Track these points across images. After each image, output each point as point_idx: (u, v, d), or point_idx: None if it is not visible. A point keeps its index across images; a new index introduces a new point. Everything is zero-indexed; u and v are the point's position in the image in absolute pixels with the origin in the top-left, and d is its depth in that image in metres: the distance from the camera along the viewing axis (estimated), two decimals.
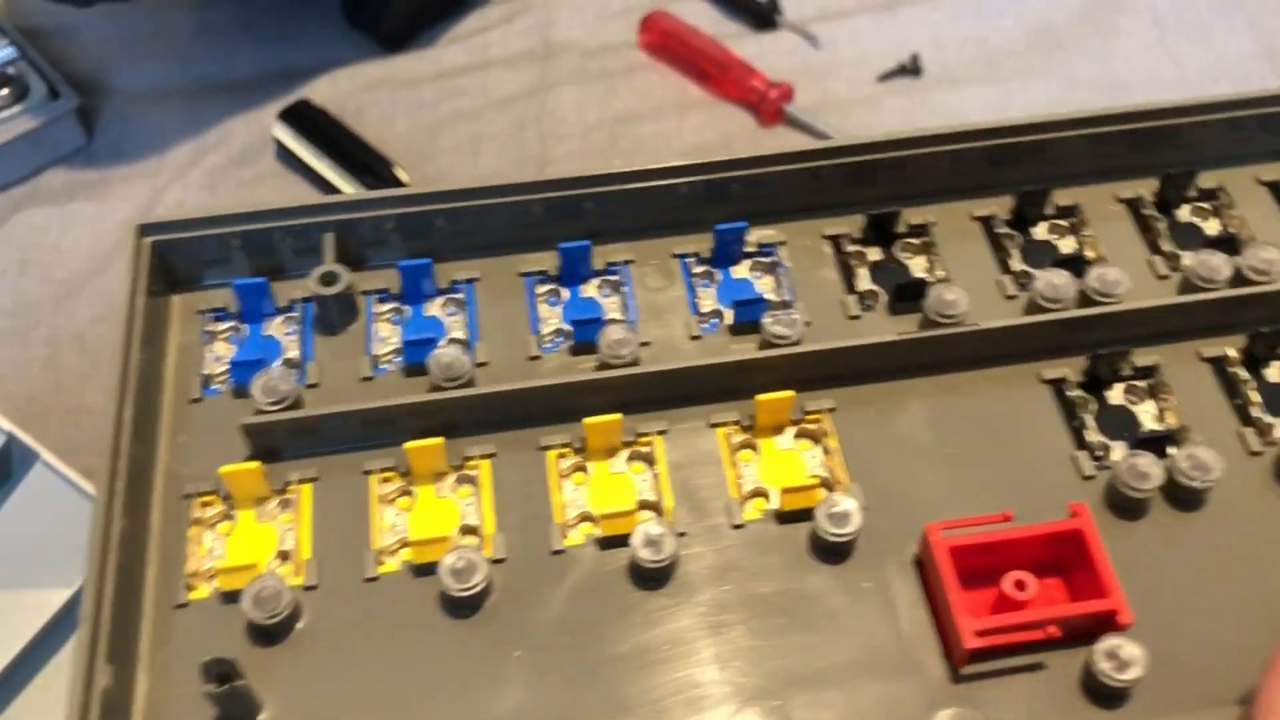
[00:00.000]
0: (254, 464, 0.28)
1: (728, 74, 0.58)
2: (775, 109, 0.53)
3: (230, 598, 0.27)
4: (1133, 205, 0.33)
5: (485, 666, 0.26)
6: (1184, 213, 0.33)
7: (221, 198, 0.51)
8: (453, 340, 0.31)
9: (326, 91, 0.63)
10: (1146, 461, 0.27)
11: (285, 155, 0.53)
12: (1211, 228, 0.33)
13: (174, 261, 0.32)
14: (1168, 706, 0.25)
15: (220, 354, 0.31)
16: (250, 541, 0.28)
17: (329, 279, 0.30)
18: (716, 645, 0.26)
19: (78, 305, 0.46)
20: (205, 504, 0.28)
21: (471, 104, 0.61)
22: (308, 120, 0.54)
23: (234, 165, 0.54)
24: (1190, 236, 0.33)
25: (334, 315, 0.31)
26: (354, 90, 0.63)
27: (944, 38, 0.66)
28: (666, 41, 0.64)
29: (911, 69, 0.59)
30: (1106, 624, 0.25)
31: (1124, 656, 0.24)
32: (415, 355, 0.30)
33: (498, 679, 0.26)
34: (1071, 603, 0.26)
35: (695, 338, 0.31)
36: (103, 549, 0.26)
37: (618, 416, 0.28)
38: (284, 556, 0.28)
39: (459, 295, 0.32)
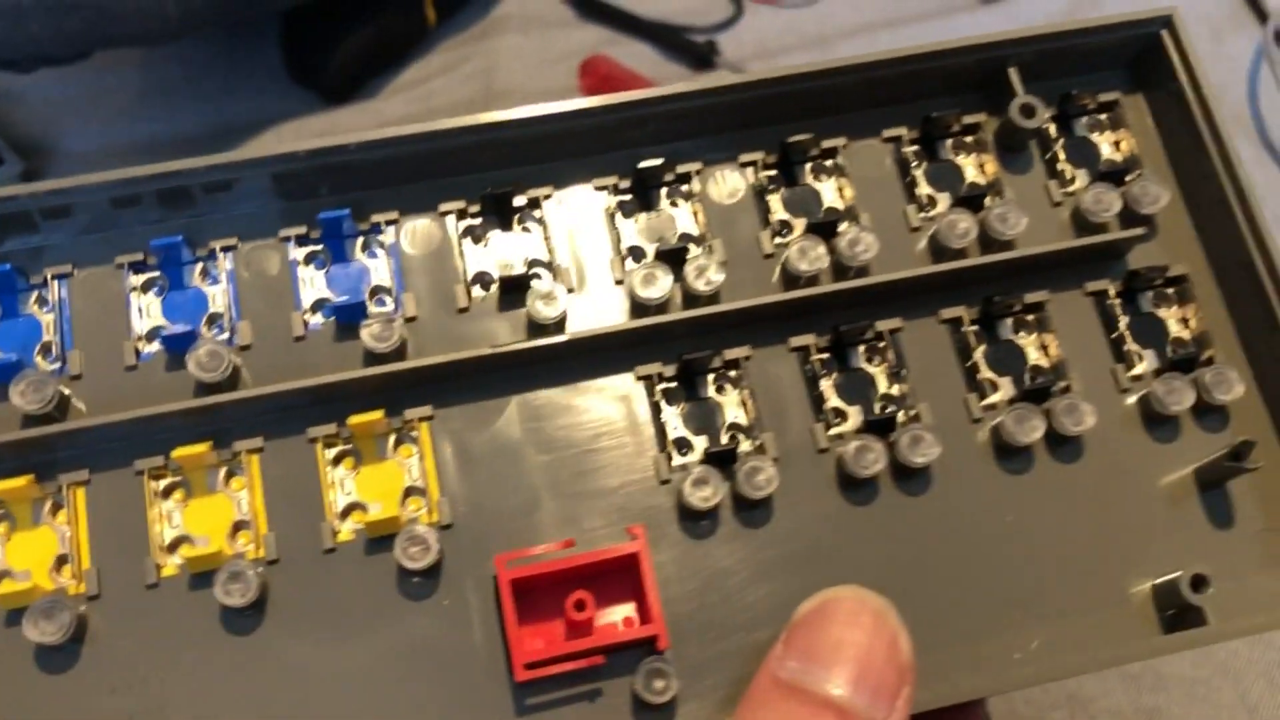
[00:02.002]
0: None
1: None
2: None
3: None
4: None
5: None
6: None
7: None
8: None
9: (269, 145, 0.61)
10: (706, 470, 0.29)
11: None
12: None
13: None
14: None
15: None
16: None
17: None
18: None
19: None
20: None
21: None
22: None
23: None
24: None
25: None
26: (297, 145, 0.61)
27: None
28: (606, 85, 0.65)
29: None
30: (651, 647, 0.28)
31: (657, 686, 0.28)
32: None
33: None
34: (612, 630, 0.28)
35: (299, 339, 0.31)
36: None
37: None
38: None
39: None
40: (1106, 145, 0.33)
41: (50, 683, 0.27)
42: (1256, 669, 0.50)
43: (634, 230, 0.32)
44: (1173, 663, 0.50)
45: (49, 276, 0.30)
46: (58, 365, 0.30)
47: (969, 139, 0.33)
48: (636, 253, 0.32)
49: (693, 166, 0.32)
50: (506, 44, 0.70)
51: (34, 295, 0.30)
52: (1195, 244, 0.32)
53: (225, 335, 0.30)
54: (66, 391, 0.29)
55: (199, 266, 0.31)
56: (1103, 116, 0.34)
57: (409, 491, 0.29)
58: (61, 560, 0.28)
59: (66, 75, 0.68)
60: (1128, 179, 0.32)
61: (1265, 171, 0.67)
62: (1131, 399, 0.31)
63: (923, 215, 0.32)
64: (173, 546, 0.29)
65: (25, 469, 0.28)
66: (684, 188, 0.32)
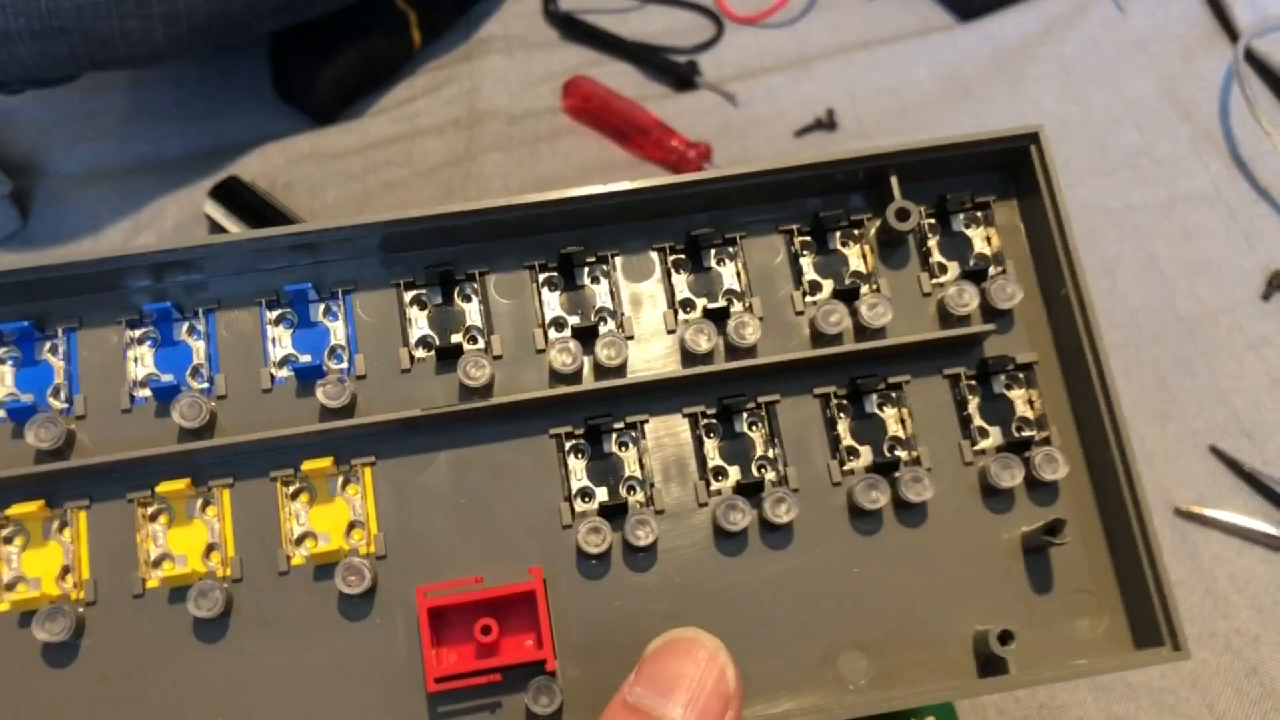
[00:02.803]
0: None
1: (648, 136, 0.61)
2: (695, 167, 0.57)
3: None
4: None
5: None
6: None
7: None
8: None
9: (257, 166, 0.62)
10: (598, 520, 0.35)
11: (217, 231, 0.54)
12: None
13: None
14: None
15: None
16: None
17: None
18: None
19: None
20: None
21: (399, 174, 0.62)
22: (237, 196, 0.55)
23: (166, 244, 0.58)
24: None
25: None
26: (284, 164, 0.63)
27: (858, 91, 0.68)
28: (588, 106, 0.66)
29: (827, 124, 0.61)
30: (541, 669, 0.34)
31: (543, 701, 0.33)
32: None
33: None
34: (514, 651, 0.34)
35: (266, 390, 0.36)
36: None
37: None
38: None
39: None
40: (979, 240, 0.38)
41: (53, 675, 0.34)
42: (1223, 679, 0.53)
43: (557, 303, 0.37)
44: (1141, 673, 0.53)
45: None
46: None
47: (855, 232, 0.38)
48: (557, 323, 0.37)
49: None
50: (490, 65, 0.71)
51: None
52: (1046, 333, 0.37)
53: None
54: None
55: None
56: (977, 214, 0.38)
57: (352, 525, 0.35)
58: (65, 570, 0.35)
59: (54, 96, 0.70)
60: (991, 274, 0.37)
61: (1236, 188, 0.69)
62: (973, 471, 0.36)
63: (808, 300, 0.37)
64: (157, 562, 0.35)
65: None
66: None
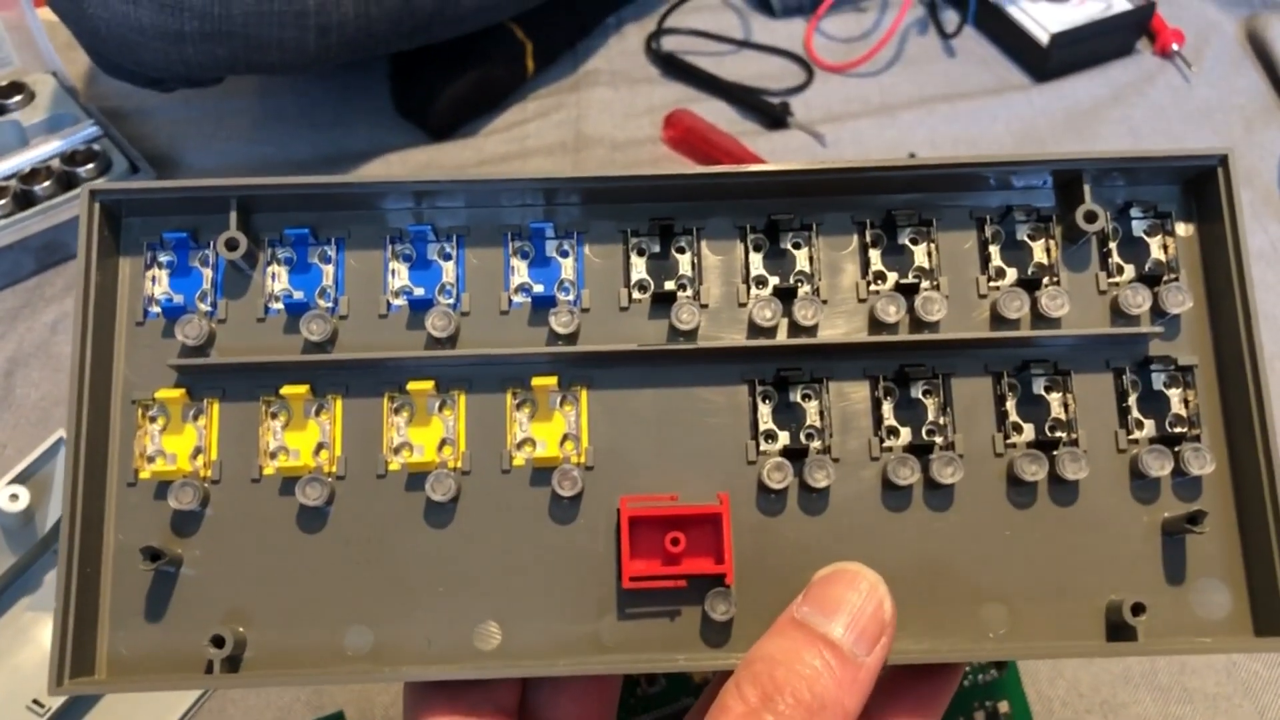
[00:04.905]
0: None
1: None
2: None
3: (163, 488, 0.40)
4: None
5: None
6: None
7: None
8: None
9: (378, 173, 0.68)
10: (782, 460, 0.39)
11: None
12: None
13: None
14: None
15: (155, 293, 0.41)
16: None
17: (231, 244, 0.40)
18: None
19: None
20: (146, 408, 0.41)
21: None
22: None
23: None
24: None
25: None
26: (404, 173, 0.69)
27: (938, 140, 0.72)
28: (687, 137, 0.70)
29: None
30: (719, 581, 0.39)
31: (720, 608, 0.38)
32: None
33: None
34: (696, 565, 0.39)
35: (504, 312, 0.41)
36: (75, 436, 0.39)
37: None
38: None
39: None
40: (1156, 247, 0.41)
41: (304, 537, 0.40)
42: (1274, 689, 0.57)
43: (760, 263, 0.41)
44: (1198, 679, 0.58)
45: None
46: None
47: (1043, 226, 0.41)
48: (759, 280, 0.41)
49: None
50: (596, 95, 0.77)
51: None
52: (1208, 340, 0.40)
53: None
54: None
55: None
56: (1158, 223, 0.41)
57: (565, 437, 0.40)
58: (320, 447, 0.40)
59: (191, 98, 0.78)
60: (1164, 280, 0.40)
61: None
62: (1126, 458, 0.39)
63: (991, 285, 0.41)
64: (397, 450, 0.40)
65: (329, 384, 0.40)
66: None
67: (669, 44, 0.86)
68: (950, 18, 0.90)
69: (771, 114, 0.79)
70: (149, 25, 0.66)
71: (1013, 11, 0.86)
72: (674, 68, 0.84)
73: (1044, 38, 0.83)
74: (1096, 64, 0.86)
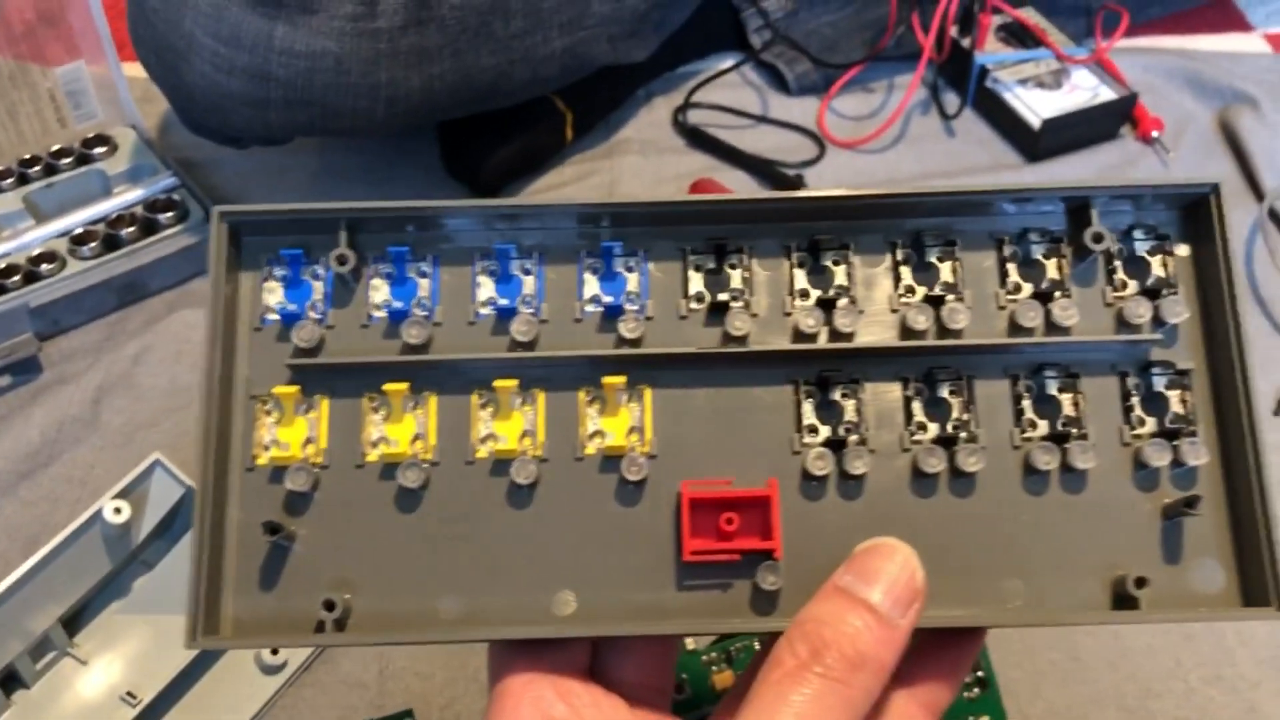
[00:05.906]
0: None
1: None
2: None
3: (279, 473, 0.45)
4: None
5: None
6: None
7: None
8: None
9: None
10: (824, 450, 0.45)
11: None
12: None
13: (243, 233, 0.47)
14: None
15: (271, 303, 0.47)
16: (293, 432, 0.46)
17: (341, 259, 0.46)
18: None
19: None
20: (264, 403, 0.46)
21: None
22: None
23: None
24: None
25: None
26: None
27: None
28: None
29: None
30: (768, 556, 0.44)
31: (770, 579, 0.44)
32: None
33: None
34: (747, 542, 0.44)
35: (577, 320, 0.47)
36: (206, 427, 0.45)
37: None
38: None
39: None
40: (1157, 265, 0.46)
41: (400, 516, 0.45)
42: (1230, 712, 0.62)
43: (804, 278, 0.47)
44: (1160, 702, 0.63)
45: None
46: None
47: (1054, 246, 0.46)
48: (803, 293, 0.47)
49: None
50: (628, 162, 0.85)
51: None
52: (1202, 347, 0.45)
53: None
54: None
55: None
56: (1158, 243, 0.46)
57: (631, 429, 0.46)
58: (416, 437, 0.46)
59: (256, 151, 0.85)
60: (1163, 294, 0.45)
61: (1256, 322, 0.80)
62: (1129, 451, 0.44)
63: (1009, 298, 0.46)
64: (483, 440, 0.46)
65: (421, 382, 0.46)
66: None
67: (694, 117, 0.95)
68: (951, 100, 0.99)
69: (787, 182, 0.87)
70: (239, 93, 0.72)
71: (1008, 97, 0.95)
72: (699, 139, 0.92)
73: (1036, 122, 0.92)
74: (1083, 147, 0.95)
